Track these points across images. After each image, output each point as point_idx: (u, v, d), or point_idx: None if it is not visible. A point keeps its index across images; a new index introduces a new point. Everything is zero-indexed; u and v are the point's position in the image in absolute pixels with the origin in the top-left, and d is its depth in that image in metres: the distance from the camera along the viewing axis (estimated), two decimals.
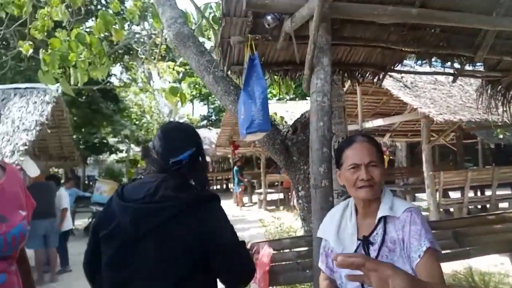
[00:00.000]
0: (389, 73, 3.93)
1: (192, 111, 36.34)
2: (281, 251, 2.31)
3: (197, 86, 27.97)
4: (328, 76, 2.34)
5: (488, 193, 8.32)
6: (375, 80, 3.75)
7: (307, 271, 2.29)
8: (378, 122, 9.21)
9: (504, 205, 8.31)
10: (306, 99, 18.98)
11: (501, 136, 13.65)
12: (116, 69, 18.79)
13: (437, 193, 7.33)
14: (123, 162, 26.90)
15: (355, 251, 1.63)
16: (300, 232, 4.77)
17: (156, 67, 10.08)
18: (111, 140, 21.67)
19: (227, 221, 1.51)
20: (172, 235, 1.37)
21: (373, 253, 1.60)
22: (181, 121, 31.82)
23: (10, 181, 1.32)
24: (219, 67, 3.28)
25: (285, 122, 7.37)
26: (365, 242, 1.62)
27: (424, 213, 7.55)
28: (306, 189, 3.11)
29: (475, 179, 7.73)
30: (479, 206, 8.86)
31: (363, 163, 1.59)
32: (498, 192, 8.06)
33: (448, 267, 4.31)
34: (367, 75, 3.65)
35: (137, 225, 1.36)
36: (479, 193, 9.08)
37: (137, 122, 21.69)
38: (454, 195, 8.58)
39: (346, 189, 1.70)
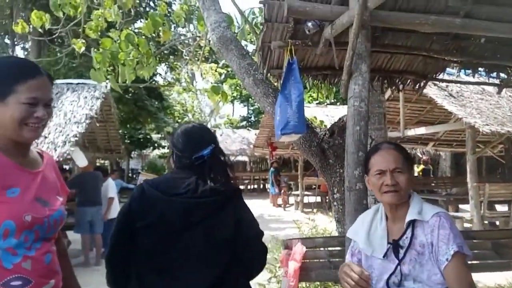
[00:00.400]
0: (433, 82, 3.87)
1: (232, 112, 36.90)
2: (314, 249, 2.36)
3: (237, 87, 28.37)
4: (366, 82, 2.37)
5: None
6: (416, 87, 3.70)
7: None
8: (421, 130, 8.98)
9: None
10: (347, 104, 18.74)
11: None
12: (161, 69, 19.47)
13: (482, 205, 7.06)
14: (164, 158, 27.73)
15: (385, 254, 1.69)
16: (334, 234, 4.79)
17: (200, 68, 10.37)
18: (155, 136, 22.45)
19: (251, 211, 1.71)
20: (217, 224, 1.55)
21: (402, 255, 1.65)
22: (221, 120, 32.43)
23: (48, 169, 1.40)
24: (259, 70, 3.38)
25: (325, 125, 7.37)
26: (395, 246, 1.67)
27: (467, 225, 7.34)
28: (341, 192, 3.13)
29: None
30: None
31: (389, 169, 1.65)
32: None
33: (491, 280, 4.17)
34: (408, 82, 3.61)
35: (187, 217, 1.52)
36: None
37: (179, 120, 22.31)
38: (501, 208, 8.21)
39: (375, 194, 1.75)
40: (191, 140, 1.65)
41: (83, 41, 5.50)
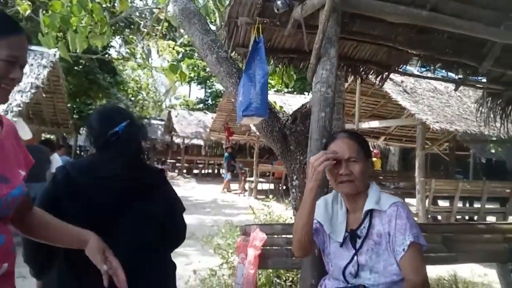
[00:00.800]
0: (389, 77, 3.90)
1: (189, 93, 36.21)
2: (272, 236, 2.30)
3: (195, 68, 27.81)
4: (334, 68, 2.31)
5: (476, 205, 8.38)
6: (378, 79, 3.72)
7: (295, 258, 2.30)
8: (374, 124, 9.22)
9: (491, 218, 8.38)
10: (304, 94, 18.94)
11: (493, 151, 13.80)
12: (116, 41, 18.56)
13: (427, 199, 7.38)
14: None
15: (343, 242, 1.70)
16: (290, 222, 4.80)
17: (156, 44, 9.95)
18: None
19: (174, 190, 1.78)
20: (147, 208, 1.57)
21: (359, 245, 1.66)
22: (177, 101, 31.71)
23: (8, 137, 1.21)
24: (223, 47, 3.22)
25: (284, 112, 7.32)
26: (353, 235, 1.68)
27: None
28: (300, 179, 3.10)
29: (465, 190, 7.77)
30: (467, 217, 8.93)
31: (343, 158, 1.64)
32: (487, 206, 8.13)
33: (433, 272, 4.35)
34: (371, 72, 3.61)
35: (117, 202, 1.51)
36: (467, 204, 9.14)
37: (133, 98, 21.53)
38: (443, 203, 8.64)
39: (331, 184, 1.75)
40: (105, 117, 1.64)
41: (29, 3, 5.03)
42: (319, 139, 2.25)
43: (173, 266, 1.78)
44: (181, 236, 1.78)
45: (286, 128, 3.17)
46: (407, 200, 9.52)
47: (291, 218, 4.80)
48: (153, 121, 25.66)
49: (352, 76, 3.65)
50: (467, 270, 4.69)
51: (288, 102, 14.40)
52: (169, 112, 21.91)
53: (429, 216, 7.56)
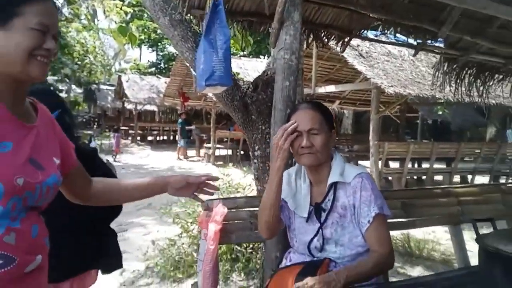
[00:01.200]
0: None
1: (140, 57, 34.71)
2: (235, 209, 2.22)
3: (146, 30, 26.43)
4: (298, 33, 2.18)
5: (425, 165, 8.81)
6: (339, 44, 3.64)
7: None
8: (331, 88, 9.27)
9: (438, 177, 8.90)
10: (260, 57, 18.65)
11: (440, 113, 14.48)
12: (57, 1, 17.11)
13: (380, 162, 7.63)
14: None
15: (308, 216, 1.66)
16: (250, 190, 4.76)
17: (102, 4, 9.25)
18: (50, 78, 20.15)
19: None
20: None
21: (324, 218, 1.63)
22: (127, 65, 30.26)
23: (44, 123, 1.14)
24: (178, 9, 2.97)
25: (240, 78, 7.10)
26: (317, 208, 1.65)
27: None
28: (262, 149, 3.01)
29: (415, 152, 8.12)
30: (415, 177, 9.41)
31: (304, 130, 1.58)
32: (435, 166, 8.58)
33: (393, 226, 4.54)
34: (332, 37, 3.52)
35: None
36: (416, 165, 9.60)
37: (79, 62, 20.22)
38: (394, 165, 9.01)
39: (294, 155, 1.70)
40: None
41: None
42: (283, 110, 2.14)
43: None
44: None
45: (247, 96, 3.04)
46: (360, 162, 9.88)
47: (250, 185, 4.77)
48: (102, 87, 24.47)
49: (314, 41, 3.53)
50: (417, 228, 4.96)
51: (244, 66, 14.15)
52: (119, 77, 20.93)
53: (382, 177, 7.87)
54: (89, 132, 18.20)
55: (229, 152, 13.69)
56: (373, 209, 1.55)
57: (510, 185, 3.51)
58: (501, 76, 4.64)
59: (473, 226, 1.57)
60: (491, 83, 4.67)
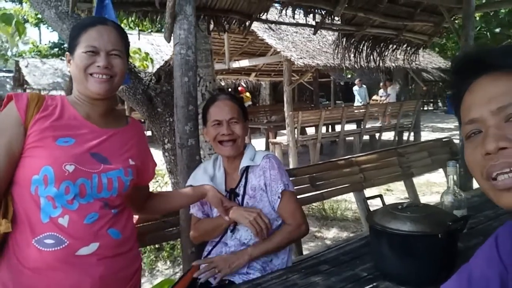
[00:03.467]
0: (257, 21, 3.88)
1: (40, 38, 31.64)
2: None
3: None
4: (192, 27, 2.14)
5: (338, 128, 9.38)
6: (241, 28, 3.65)
7: (173, 228, 2.26)
8: (245, 62, 9.35)
9: (350, 138, 9.53)
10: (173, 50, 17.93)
11: (349, 76, 15.37)
12: None
13: (296, 130, 7.96)
14: None
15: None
16: (162, 186, 4.70)
17: None
18: None
19: None
20: None
21: (238, 203, 1.73)
22: (26, 47, 27.37)
23: (128, 132, 1.38)
24: (63, 1, 2.75)
25: (151, 59, 6.84)
26: (232, 193, 1.75)
27: (284, 149, 8.25)
28: (172, 142, 2.97)
29: (327, 117, 8.59)
30: (330, 141, 9.98)
31: (225, 120, 1.68)
32: (346, 128, 9.17)
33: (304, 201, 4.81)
34: (234, 22, 3.51)
35: None
36: (330, 129, 10.17)
37: None
38: (310, 131, 9.45)
39: (212, 145, 1.79)
40: None
41: None
42: (185, 107, 2.12)
43: None
44: None
45: (150, 89, 2.95)
46: (279, 131, 10.21)
47: (162, 177, 4.71)
48: None
49: (215, 27, 3.49)
50: None
51: (155, 43, 13.59)
52: (17, 62, 18.85)
53: (299, 145, 8.24)
54: None
55: None
56: (279, 186, 1.67)
57: (404, 148, 3.87)
58: (394, 46, 5.03)
59: (364, 203, 1.73)
60: (386, 53, 5.04)
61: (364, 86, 13.38)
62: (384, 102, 11.21)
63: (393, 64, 9.20)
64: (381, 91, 12.12)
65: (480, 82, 0.66)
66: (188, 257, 2.20)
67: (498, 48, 0.67)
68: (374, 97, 12.87)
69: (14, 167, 1.17)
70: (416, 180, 4.02)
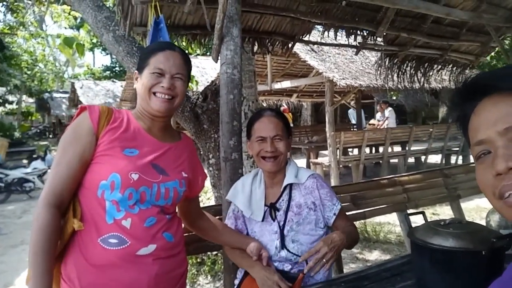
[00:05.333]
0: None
1: (93, 61, 33.68)
2: None
3: None
4: (238, 48, 2.26)
5: (381, 150, 9.19)
6: (285, 48, 3.76)
7: None
8: (286, 83, 9.45)
9: (394, 160, 9.30)
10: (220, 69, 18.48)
11: (394, 98, 15.06)
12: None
13: (338, 151, 7.90)
14: (13, 115, 24.21)
15: (263, 216, 1.77)
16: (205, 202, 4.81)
17: (49, 10, 8.94)
18: None
19: None
20: None
21: (279, 217, 1.74)
22: (81, 70, 29.16)
23: (181, 147, 1.49)
24: (121, 26, 2.98)
25: (196, 81, 7.13)
26: (272, 208, 1.76)
27: (326, 169, 8.19)
28: (216, 157, 3.09)
29: (371, 139, 8.45)
30: (373, 162, 9.78)
31: (269, 136, 1.72)
32: (390, 150, 8.97)
33: None
34: (277, 44, 3.63)
35: None
36: (374, 151, 9.97)
37: (28, 72, 19.35)
38: (353, 152, 9.34)
39: (254, 159, 1.82)
40: None
41: None
42: (229, 122, 2.23)
43: None
44: None
45: (197, 107, 3.10)
46: (321, 152, 10.15)
47: (205, 193, 4.82)
48: (55, 95, 23.56)
49: (259, 48, 3.63)
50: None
51: (201, 66, 14.08)
52: (73, 84, 20.13)
53: (341, 166, 8.15)
54: (45, 142, 17.51)
55: None
56: (336, 203, 1.73)
57: (450, 169, 3.76)
58: (439, 66, 4.94)
59: (406, 220, 1.72)
60: (431, 73, 4.96)
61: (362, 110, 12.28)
62: (381, 127, 10.07)
63: (439, 85, 8.97)
64: (378, 115, 10.96)
65: (485, 104, 0.68)
66: (229, 268, 2.26)
67: (498, 70, 0.70)
68: (372, 121, 11.87)
69: (84, 172, 1.28)
70: (465, 205, 3.88)
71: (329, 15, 3.35)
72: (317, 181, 1.74)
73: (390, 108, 10.60)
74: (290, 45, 3.71)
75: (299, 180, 1.74)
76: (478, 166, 0.70)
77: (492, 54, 5.66)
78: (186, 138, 1.58)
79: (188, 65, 1.44)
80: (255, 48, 3.54)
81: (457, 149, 10.24)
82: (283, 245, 1.71)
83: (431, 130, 9.57)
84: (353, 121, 12.47)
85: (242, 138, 2.29)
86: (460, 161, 10.14)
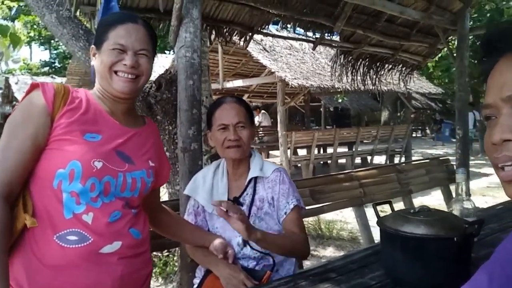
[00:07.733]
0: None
1: (30, 56, 31.60)
2: None
3: (35, 26, 24.05)
4: (198, 30, 2.13)
5: (329, 150, 9.39)
6: (242, 40, 3.67)
7: None
8: (238, 82, 9.39)
9: (342, 160, 9.53)
10: (166, 53, 18.10)
11: (340, 101, 15.56)
12: None
13: (289, 150, 7.94)
14: None
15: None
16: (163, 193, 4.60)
17: None
18: None
19: None
20: None
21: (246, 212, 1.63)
22: (16, 65, 27.27)
23: (146, 133, 1.34)
24: (65, 5, 2.72)
25: None
26: (235, 203, 1.64)
27: None
28: (171, 151, 2.92)
29: (320, 139, 8.60)
30: (322, 162, 9.98)
31: (231, 124, 1.60)
32: (338, 150, 9.18)
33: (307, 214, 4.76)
34: (235, 34, 3.52)
35: None
36: (322, 151, 10.18)
37: None
38: (302, 152, 9.44)
39: (217, 150, 1.71)
40: None
41: None
42: (188, 110, 2.09)
43: None
44: None
45: (150, 96, 2.91)
46: (271, 152, 10.19)
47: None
48: None
49: (216, 38, 3.49)
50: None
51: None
52: (7, 79, 18.70)
53: (292, 165, 8.21)
54: None
55: None
56: (291, 201, 1.60)
57: (403, 164, 3.87)
58: (390, 66, 5.10)
59: (374, 209, 1.68)
60: (382, 72, 5.10)
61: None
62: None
63: (385, 88, 9.34)
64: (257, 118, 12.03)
65: (501, 64, 0.61)
66: (187, 267, 2.11)
67: None
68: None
69: (36, 159, 1.11)
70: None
71: (288, 6, 3.30)
72: (280, 175, 1.64)
73: (263, 111, 12.02)
74: (248, 37, 3.61)
75: (264, 173, 1.65)
76: (487, 128, 0.63)
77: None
78: (151, 123, 1.43)
79: (153, 40, 1.27)
80: (212, 37, 3.40)
81: (400, 150, 10.74)
82: (246, 242, 1.61)
83: (376, 132, 9.95)
84: None
85: (201, 127, 2.16)
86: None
